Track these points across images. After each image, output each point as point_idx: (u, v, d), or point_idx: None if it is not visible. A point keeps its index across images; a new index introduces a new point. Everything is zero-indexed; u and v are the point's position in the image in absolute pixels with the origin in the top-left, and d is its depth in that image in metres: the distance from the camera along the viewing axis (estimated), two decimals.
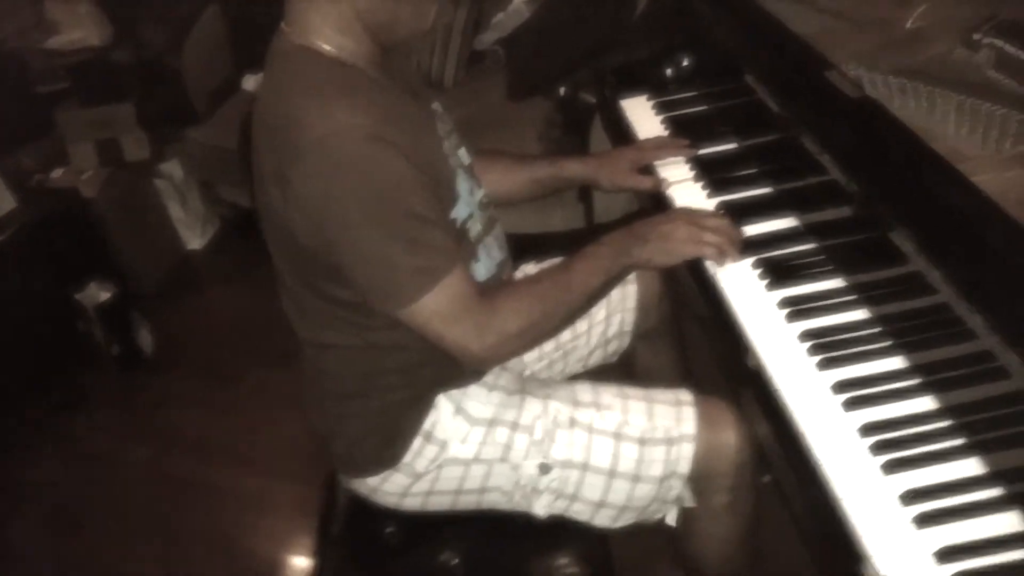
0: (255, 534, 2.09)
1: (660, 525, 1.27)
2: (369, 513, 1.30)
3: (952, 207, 0.97)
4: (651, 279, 1.49)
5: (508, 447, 1.22)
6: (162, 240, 3.02)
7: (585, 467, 1.20)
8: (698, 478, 1.21)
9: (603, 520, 1.24)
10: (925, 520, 0.86)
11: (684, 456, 1.19)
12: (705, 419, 1.21)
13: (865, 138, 1.14)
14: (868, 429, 0.95)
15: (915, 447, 0.92)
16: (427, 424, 1.22)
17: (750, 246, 1.22)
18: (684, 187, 1.42)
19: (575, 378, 1.45)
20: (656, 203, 1.44)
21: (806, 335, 1.08)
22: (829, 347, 1.05)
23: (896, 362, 1.02)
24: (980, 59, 1.22)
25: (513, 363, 1.40)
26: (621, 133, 1.64)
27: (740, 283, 1.19)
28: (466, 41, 2.80)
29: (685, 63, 1.68)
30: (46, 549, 2.14)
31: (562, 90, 2.28)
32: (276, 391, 2.39)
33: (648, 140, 1.53)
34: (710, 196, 1.38)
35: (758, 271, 1.19)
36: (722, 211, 1.31)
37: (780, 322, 1.11)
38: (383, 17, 1.05)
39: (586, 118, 2.13)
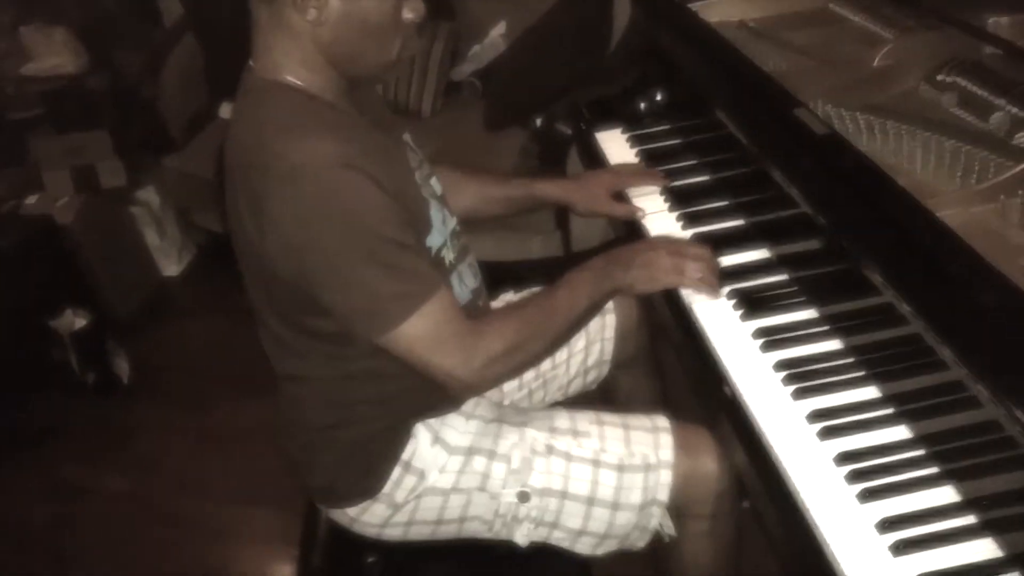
0: (235, 562, 2.08)
1: (640, 553, 1.27)
2: (350, 543, 1.29)
3: (918, 242, 1.00)
4: (630, 308, 1.51)
5: (486, 476, 1.22)
6: (138, 267, 2.99)
7: (564, 495, 1.21)
8: (678, 505, 1.22)
9: (584, 548, 1.24)
10: (902, 548, 0.87)
11: (663, 483, 1.20)
12: (683, 446, 1.22)
13: (833, 174, 1.17)
14: (843, 458, 0.96)
15: (890, 476, 0.93)
16: (406, 454, 1.22)
17: (724, 277, 1.24)
18: (659, 217, 1.45)
19: (553, 406, 1.46)
20: (630, 231, 1.47)
21: (780, 365, 1.10)
22: (803, 377, 1.07)
23: (870, 391, 1.04)
24: (944, 97, 1.26)
25: (492, 392, 1.41)
26: (597, 164, 1.67)
27: (715, 313, 1.21)
28: (443, 72, 2.84)
29: (658, 97, 1.71)
30: None
31: (538, 121, 2.31)
32: (252, 418, 2.36)
33: (624, 166, 1.57)
34: (684, 228, 1.41)
35: (732, 301, 1.21)
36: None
37: (755, 352, 1.13)
38: (346, 50, 1.05)
39: (562, 149, 2.16)
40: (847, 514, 0.91)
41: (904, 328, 1.01)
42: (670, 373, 1.69)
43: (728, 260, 1.29)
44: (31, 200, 2.75)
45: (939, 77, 1.29)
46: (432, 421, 1.24)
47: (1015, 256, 0.94)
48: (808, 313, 1.18)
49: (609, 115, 1.75)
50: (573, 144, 2.05)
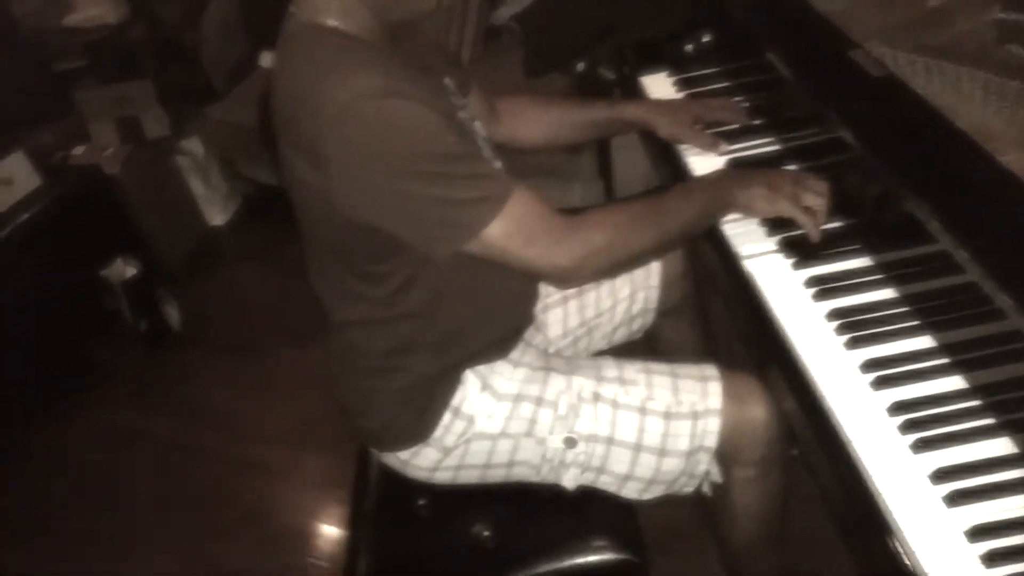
0: (284, 505, 2.13)
1: (688, 498, 1.29)
2: (401, 486, 1.33)
3: (978, 186, 0.98)
4: (675, 256, 1.50)
5: (533, 422, 1.24)
6: (185, 217, 3.04)
7: (611, 441, 1.22)
8: (726, 452, 1.22)
9: (631, 492, 1.26)
10: (956, 499, 0.87)
11: (711, 430, 1.21)
12: (731, 394, 1.22)
13: (889, 117, 1.14)
14: (897, 408, 0.96)
15: (944, 426, 0.93)
16: (455, 400, 1.24)
17: (775, 226, 1.23)
18: (704, 159, 1.43)
19: (599, 354, 1.47)
20: (676, 178, 1.44)
21: (834, 314, 1.09)
22: (857, 326, 1.06)
23: (924, 341, 1.03)
24: (1004, 37, 1.22)
25: (538, 340, 1.43)
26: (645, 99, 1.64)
27: (766, 262, 1.20)
28: (482, 16, 2.79)
29: (705, 39, 1.67)
30: (75, 518, 2.20)
31: (580, 66, 2.27)
32: (301, 366, 2.42)
33: (713, 100, 1.53)
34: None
35: (784, 251, 1.20)
36: None
37: (807, 302, 1.12)
38: None
39: (605, 94, 2.13)
40: (900, 464, 0.91)
41: (960, 276, 0.99)
42: (715, 323, 1.68)
43: None
44: (78, 151, 2.78)
45: (999, 15, 1.24)
46: (481, 368, 1.26)
47: None
48: (862, 261, 1.16)
49: (654, 58, 1.72)
50: (617, 89, 2.02)
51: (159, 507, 2.17)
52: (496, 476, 1.29)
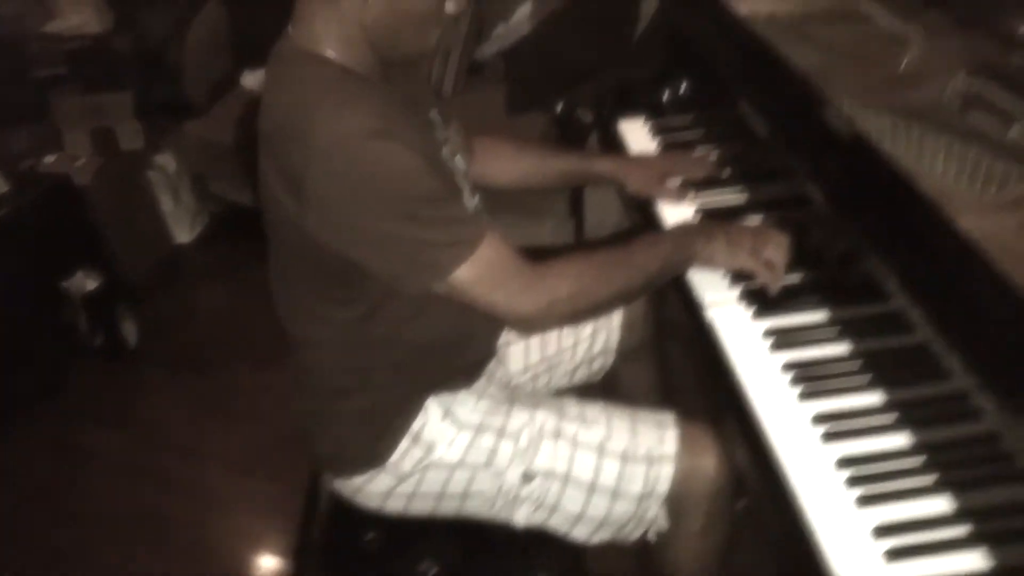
0: (228, 532, 2.09)
1: (633, 545, 1.28)
2: (350, 518, 1.31)
3: (934, 247, 0.99)
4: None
5: (493, 453, 1.23)
6: (151, 232, 3.00)
7: (567, 479, 1.22)
8: (675, 500, 1.22)
9: (580, 534, 1.25)
10: (896, 555, 0.87)
11: (664, 476, 1.21)
12: (686, 442, 1.23)
13: (854, 175, 1.16)
14: (844, 462, 0.97)
15: (889, 482, 0.94)
16: (415, 426, 1.23)
17: (738, 276, 1.24)
18: (676, 209, 1.45)
19: (561, 393, 1.47)
20: (647, 221, 1.46)
21: (789, 366, 1.10)
22: (811, 379, 1.07)
23: (874, 398, 1.04)
24: (969, 104, 1.24)
25: (499, 373, 1.42)
26: (617, 153, 1.66)
27: (727, 311, 1.21)
28: (467, 50, 2.82)
29: (683, 88, 1.70)
30: (21, 533, 2.13)
31: (559, 106, 2.30)
32: (256, 389, 2.39)
33: (682, 155, 1.57)
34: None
35: (745, 300, 1.21)
36: None
37: (764, 352, 1.13)
38: (387, 34, 1.07)
39: (582, 135, 2.15)
40: (845, 517, 0.92)
41: (913, 336, 1.00)
42: (674, 368, 1.69)
43: None
44: (50, 159, 2.74)
45: (965, 82, 1.27)
46: (444, 397, 1.26)
47: None
48: (819, 315, 1.18)
49: (632, 103, 1.75)
50: (594, 132, 2.04)
51: (107, 526, 2.12)
52: (449, 508, 1.28)
